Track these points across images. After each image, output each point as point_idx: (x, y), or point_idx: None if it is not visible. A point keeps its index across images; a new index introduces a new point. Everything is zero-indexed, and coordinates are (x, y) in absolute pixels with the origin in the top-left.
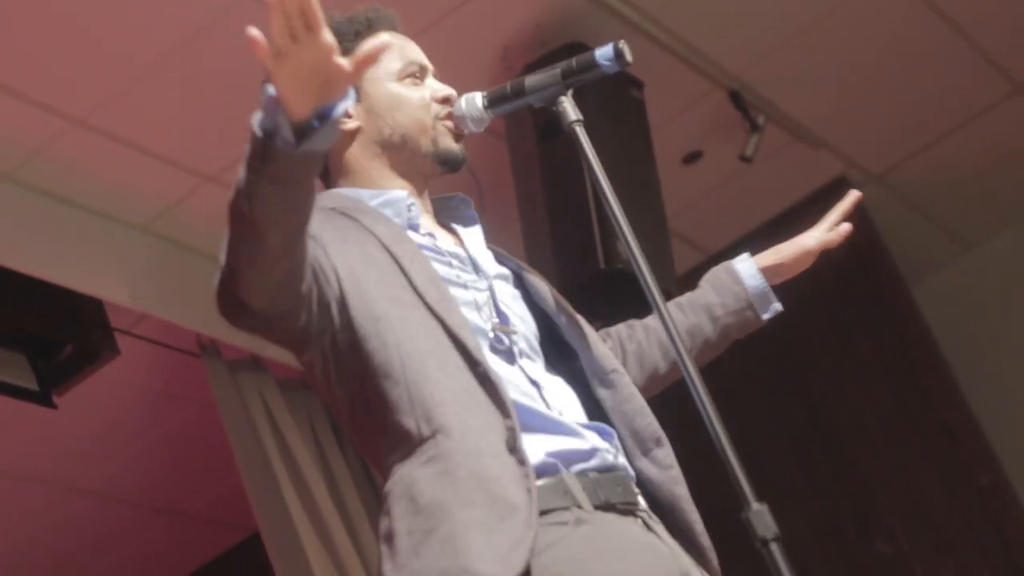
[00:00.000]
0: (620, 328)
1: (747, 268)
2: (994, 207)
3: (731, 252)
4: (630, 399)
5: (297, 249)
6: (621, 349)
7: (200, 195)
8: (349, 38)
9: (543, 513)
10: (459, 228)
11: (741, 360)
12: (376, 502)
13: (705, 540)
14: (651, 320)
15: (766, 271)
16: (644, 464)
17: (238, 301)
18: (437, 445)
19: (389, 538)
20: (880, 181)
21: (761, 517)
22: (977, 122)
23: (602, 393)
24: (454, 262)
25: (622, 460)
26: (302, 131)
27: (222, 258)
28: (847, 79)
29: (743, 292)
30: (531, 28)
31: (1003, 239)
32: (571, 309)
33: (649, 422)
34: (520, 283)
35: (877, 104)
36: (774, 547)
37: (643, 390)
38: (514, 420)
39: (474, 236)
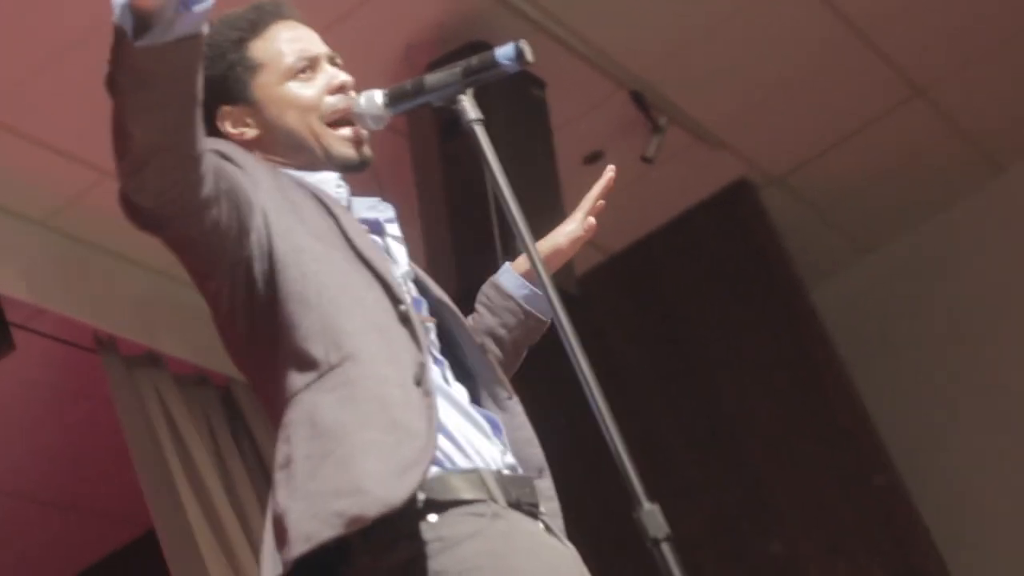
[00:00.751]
0: None
1: (511, 280)
2: (892, 211)
3: (632, 253)
4: (522, 427)
5: (168, 151)
6: None
7: (100, 190)
8: (232, 47)
9: (463, 503)
10: (383, 223)
11: (637, 359)
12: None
13: None
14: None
15: (530, 275)
16: None
17: (125, 196)
18: (345, 372)
19: (286, 464)
20: (781, 183)
21: (653, 517)
22: (877, 125)
23: (496, 416)
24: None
25: (510, 458)
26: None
27: None
28: (749, 81)
29: (515, 306)
30: (434, 27)
31: (900, 244)
32: (472, 331)
33: (536, 452)
34: (425, 295)
35: (779, 106)
36: (665, 547)
37: None
38: (425, 358)
39: (393, 233)
